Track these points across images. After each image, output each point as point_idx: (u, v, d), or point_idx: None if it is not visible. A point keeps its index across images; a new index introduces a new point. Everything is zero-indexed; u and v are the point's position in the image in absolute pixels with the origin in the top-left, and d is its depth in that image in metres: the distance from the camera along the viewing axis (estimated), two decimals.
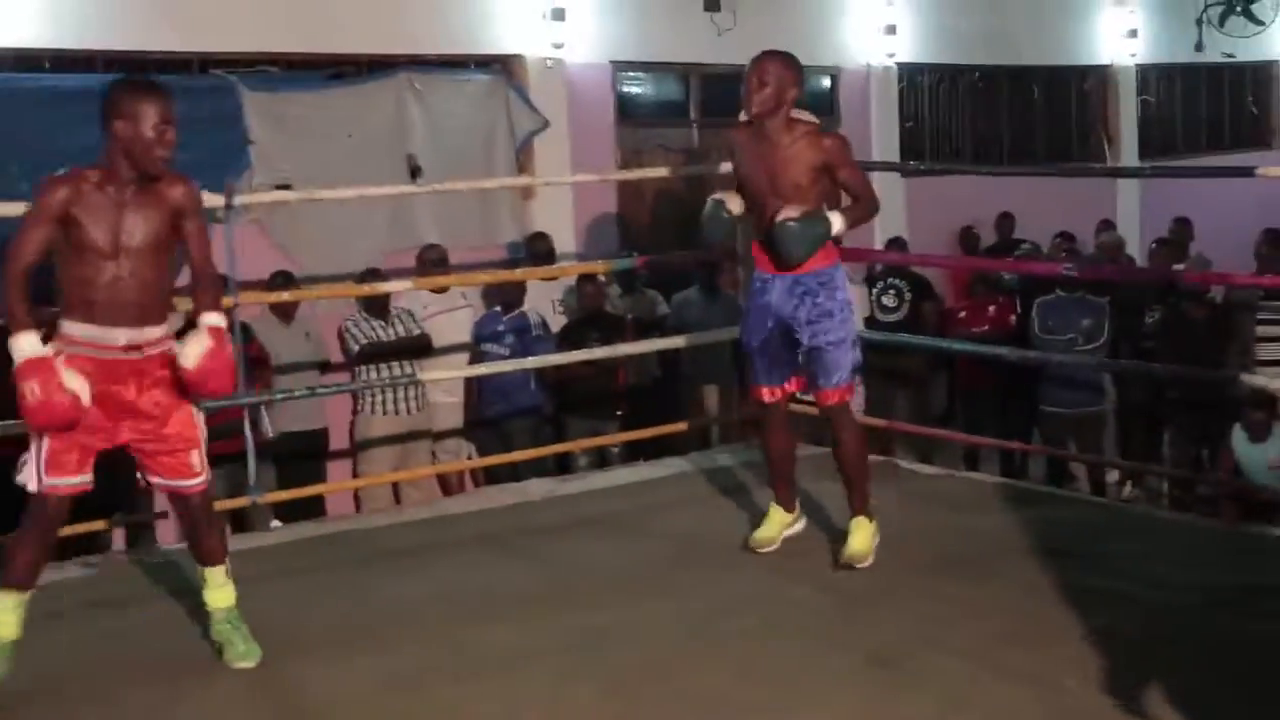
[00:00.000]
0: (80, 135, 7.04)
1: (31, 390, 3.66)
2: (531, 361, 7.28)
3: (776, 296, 4.69)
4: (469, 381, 8.11)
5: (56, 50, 7.67)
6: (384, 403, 7.85)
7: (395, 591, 4.67)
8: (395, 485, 7.83)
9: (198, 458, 4.02)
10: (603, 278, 8.26)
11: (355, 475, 8.00)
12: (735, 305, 8.26)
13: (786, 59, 4.62)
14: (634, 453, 7.51)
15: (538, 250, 8.60)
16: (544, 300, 8.44)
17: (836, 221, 4.56)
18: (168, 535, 6.94)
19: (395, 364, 7.74)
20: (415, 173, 8.65)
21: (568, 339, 7.95)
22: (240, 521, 6.80)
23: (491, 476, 7.36)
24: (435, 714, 3.68)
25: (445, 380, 7.87)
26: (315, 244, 8.15)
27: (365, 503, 7.77)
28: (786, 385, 4.83)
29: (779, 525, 4.92)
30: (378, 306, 7.78)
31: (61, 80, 7.56)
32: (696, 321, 8.26)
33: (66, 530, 4.22)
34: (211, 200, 5.45)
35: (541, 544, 5.22)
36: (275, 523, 6.37)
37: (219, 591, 4.12)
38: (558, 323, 8.38)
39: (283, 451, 7.24)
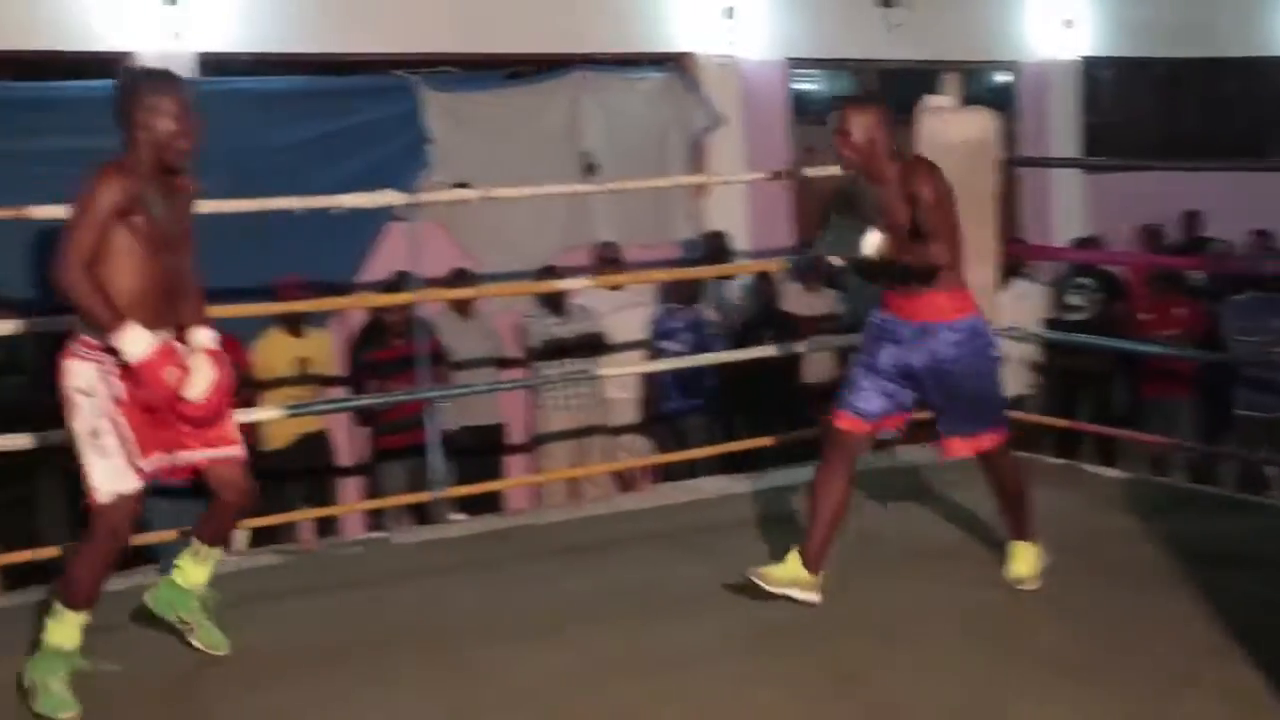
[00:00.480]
0: (279, 135, 7.34)
1: (176, 375, 3.67)
2: (707, 358, 7.29)
3: (904, 342, 4.35)
4: (645, 378, 8.15)
5: (256, 54, 7.93)
6: (561, 398, 7.93)
7: (574, 586, 4.72)
8: (571, 480, 7.92)
9: (235, 427, 3.95)
10: (778, 275, 8.22)
11: (532, 470, 8.10)
12: None
13: (856, 103, 4.46)
14: (811, 451, 7.46)
15: (713, 248, 8.60)
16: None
17: (875, 241, 4.20)
18: (355, 528, 7.16)
19: (572, 360, 7.82)
20: (590, 171, 8.72)
21: (742, 336, 7.94)
22: (421, 514, 6.95)
23: (667, 473, 7.39)
24: (616, 713, 3.70)
25: (621, 376, 7.92)
26: (494, 241, 8.28)
27: (542, 497, 7.86)
28: (879, 420, 4.42)
29: (792, 574, 4.38)
30: (555, 303, 7.86)
31: (261, 83, 7.82)
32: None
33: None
34: (396, 198, 5.60)
35: (718, 541, 5.22)
36: (458, 515, 6.47)
37: (205, 569, 4.02)
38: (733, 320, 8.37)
39: (461, 446, 7.37)
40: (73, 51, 7.46)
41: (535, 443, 8.11)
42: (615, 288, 7.98)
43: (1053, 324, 8.64)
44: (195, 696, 3.92)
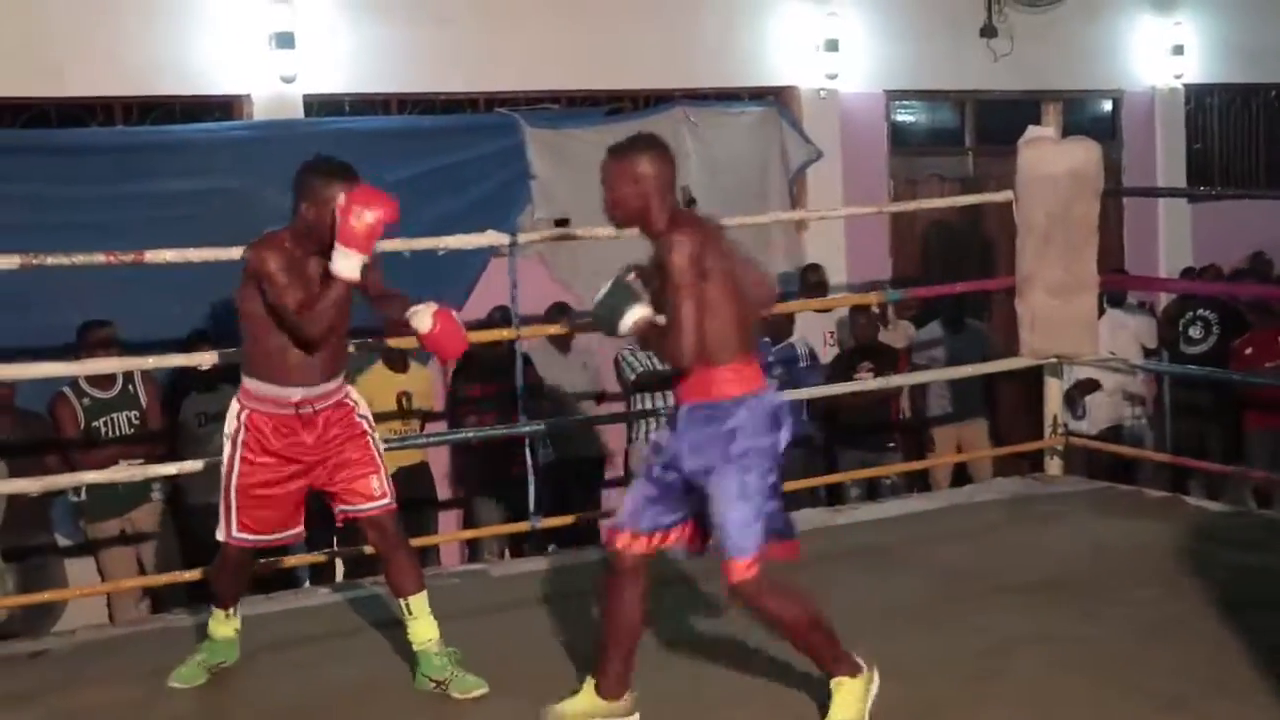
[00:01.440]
0: (386, 173, 7.48)
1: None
2: (803, 393, 7.30)
3: (677, 431, 3.73)
4: None
5: (356, 94, 8.14)
6: (658, 431, 7.97)
7: (669, 619, 4.75)
8: None
9: (378, 482, 4.10)
10: (876, 309, 8.22)
11: None
12: (978, 339, 8.14)
13: (618, 152, 3.85)
14: (908, 485, 7.46)
15: (809, 281, 8.62)
16: (816, 332, 8.45)
17: (639, 313, 3.70)
18: (452, 559, 7.26)
19: (669, 393, 7.85)
20: (689, 205, 8.76)
21: (838, 370, 7.94)
22: (517, 546, 7.05)
23: None
24: None
25: None
26: (593, 277, 8.32)
27: None
28: (656, 535, 3.74)
29: (586, 710, 3.80)
30: None
31: (367, 122, 8.02)
32: (939, 356, 8.18)
33: None
34: (495, 239, 5.72)
35: (814, 575, 5.22)
36: (551, 547, 6.55)
37: (422, 623, 4.10)
38: (830, 354, 8.37)
39: (558, 478, 7.44)
40: (189, 95, 7.72)
41: (631, 476, 8.16)
42: None
43: (1174, 357, 8.53)
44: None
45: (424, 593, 4.12)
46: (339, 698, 4.16)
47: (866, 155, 9.72)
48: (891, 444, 8.04)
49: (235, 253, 4.25)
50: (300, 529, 4.19)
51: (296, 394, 3.98)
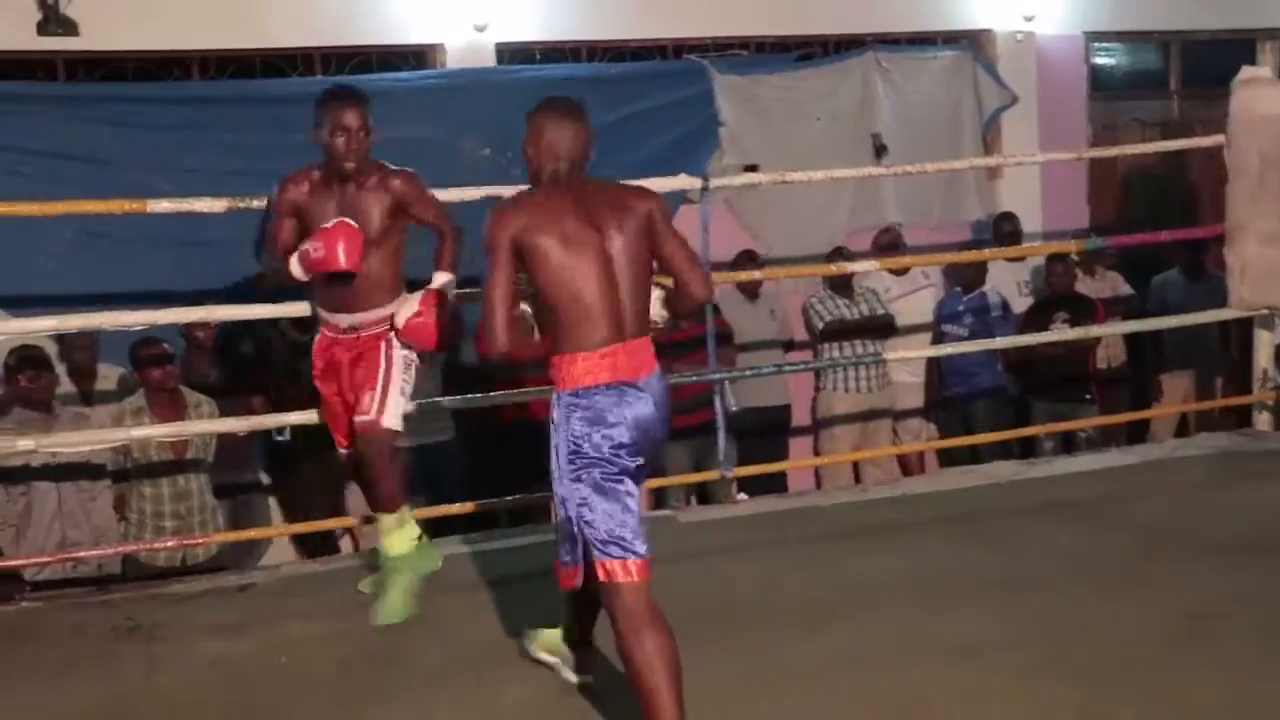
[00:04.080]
0: None
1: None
2: (999, 342, 7.18)
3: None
4: (930, 362, 8.07)
5: (546, 43, 8.19)
6: (847, 381, 7.92)
7: (856, 570, 4.73)
8: (855, 463, 7.91)
9: (370, 398, 4.38)
10: (1074, 258, 7.99)
11: (816, 452, 8.12)
12: (1220, 287, 7.83)
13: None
14: (1105, 439, 7.26)
15: (1002, 230, 8.41)
16: (1009, 281, 8.26)
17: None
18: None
19: (859, 342, 7.79)
20: (880, 152, 8.65)
21: (1032, 320, 7.76)
22: (705, 494, 7.07)
23: (951, 458, 7.30)
24: (890, 696, 3.69)
25: (909, 360, 7.86)
26: (781, 224, 8.31)
27: (825, 479, 7.88)
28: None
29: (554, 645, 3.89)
30: (843, 285, 7.85)
31: (550, 70, 8.06)
32: (1176, 304, 7.89)
33: None
34: (687, 183, 5.70)
35: (1006, 528, 5.14)
36: (741, 496, 6.55)
37: (390, 536, 4.44)
38: (1023, 304, 8.18)
39: (745, 426, 7.44)
40: (385, 45, 7.87)
41: (819, 425, 8.12)
42: (900, 271, 7.92)
43: None
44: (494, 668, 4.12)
45: (394, 514, 4.44)
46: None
47: (1064, 100, 9.41)
48: (1088, 396, 7.82)
49: None
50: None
51: (344, 320, 4.47)
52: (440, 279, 4.50)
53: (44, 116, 6.94)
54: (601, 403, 3.37)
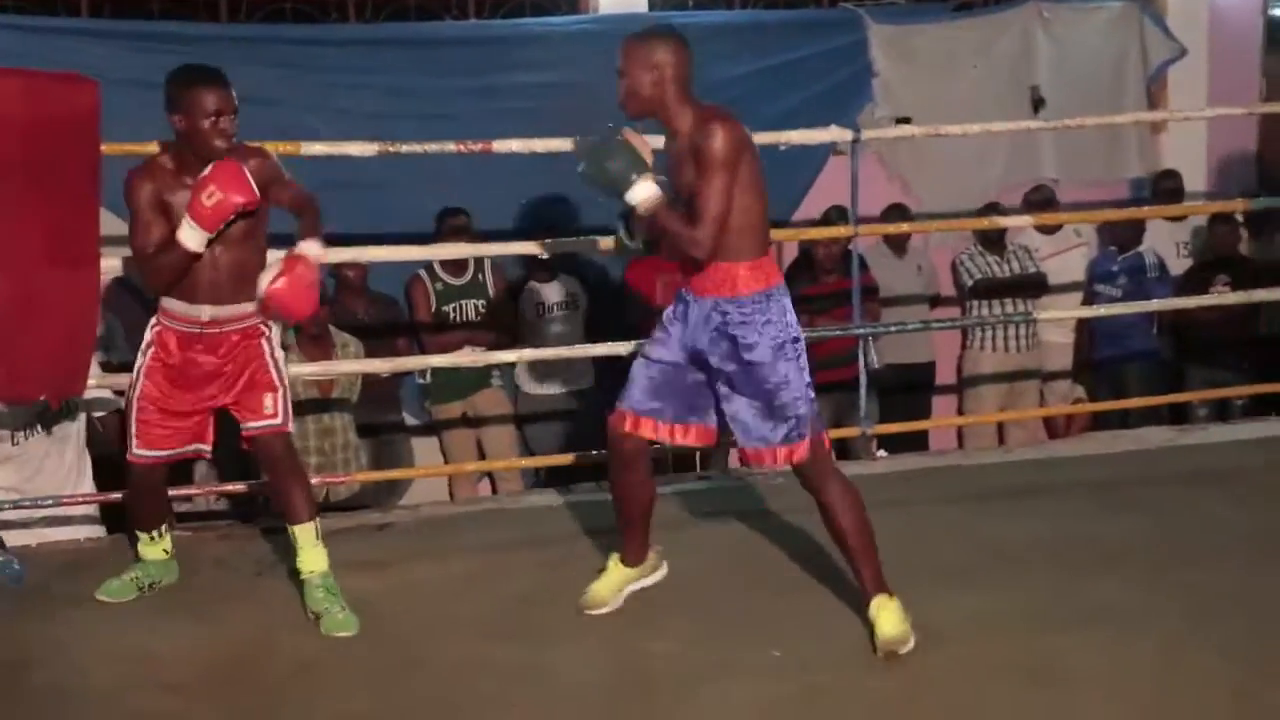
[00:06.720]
0: (727, 68, 7.46)
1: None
2: (1154, 304, 6.97)
3: (691, 325, 3.75)
4: (1081, 322, 7.87)
5: None
6: (994, 339, 7.77)
7: (998, 532, 4.65)
8: (1000, 424, 7.77)
9: (272, 401, 4.05)
10: (1239, 218, 7.71)
11: (960, 410, 7.99)
12: None
13: (637, 38, 3.75)
14: (1263, 407, 7.01)
15: (1163, 188, 8.14)
16: (1167, 241, 8.01)
17: (646, 190, 3.62)
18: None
19: (1008, 300, 7.63)
20: (1038, 105, 8.42)
21: (1190, 282, 7.51)
22: (844, 450, 7.00)
23: (1099, 422, 7.12)
24: (1038, 661, 3.64)
25: (1059, 320, 7.68)
26: (934, 177, 8.15)
27: (968, 439, 7.75)
28: (663, 426, 3.82)
29: (617, 583, 4.08)
30: (994, 241, 7.68)
31: (703, 16, 7.99)
32: None
33: None
34: (838, 134, 5.62)
35: (1156, 496, 5.00)
36: (881, 452, 6.48)
37: (308, 553, 4.04)
38: (1181, 265, 7.93)
39: (888, 383, 7.35)
40: None
41: (964, 384, 7.98)
42: (1052, 229, 7.73)
43: None
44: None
45: (310, 523, 4.04)
46: (683, 583, 4.20)
47: (1236, 53, 9.03)
48: (1248, 364, 7.55)
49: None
50: (205, 446, 4.19)
51: (205, 313, 4.01)
52: (309, 246, 3.99)
53: (208, 58, 7.07)
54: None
